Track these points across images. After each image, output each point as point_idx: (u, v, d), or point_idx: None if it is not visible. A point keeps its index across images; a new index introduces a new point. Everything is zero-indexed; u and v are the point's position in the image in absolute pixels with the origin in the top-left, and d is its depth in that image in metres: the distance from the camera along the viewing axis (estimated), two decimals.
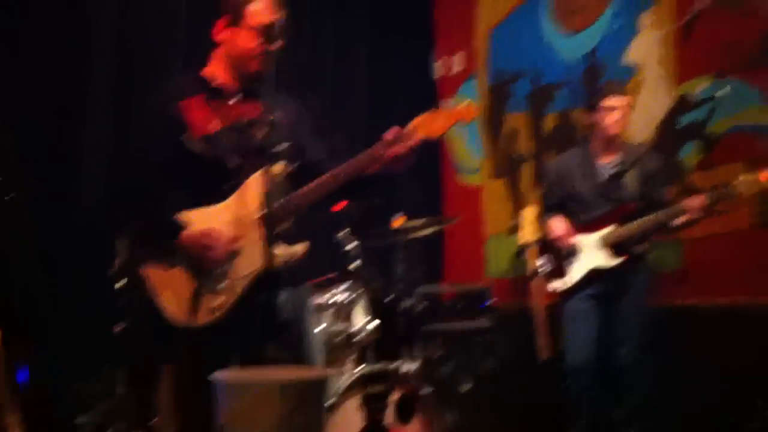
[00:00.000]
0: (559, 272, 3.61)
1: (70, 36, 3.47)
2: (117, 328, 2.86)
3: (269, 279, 2.04)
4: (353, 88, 4.84)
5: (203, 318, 2.13)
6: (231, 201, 2.22)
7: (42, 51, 3.36)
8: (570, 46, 4.56)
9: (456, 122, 2.24)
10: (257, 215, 2.10)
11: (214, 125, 2.23)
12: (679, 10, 4.07)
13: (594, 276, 3.50)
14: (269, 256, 2.13)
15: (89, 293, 3.37)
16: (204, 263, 2.15)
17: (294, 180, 2.27)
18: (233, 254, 2.17)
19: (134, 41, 3.69)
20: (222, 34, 2.29)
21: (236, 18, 2.26)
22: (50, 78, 3.38)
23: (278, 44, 2.18)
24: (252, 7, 2.26)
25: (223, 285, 2.15)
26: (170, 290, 2.16)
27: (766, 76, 3.73)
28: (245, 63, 2.27)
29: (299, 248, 2.23)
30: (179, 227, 2.17)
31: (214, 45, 2.33)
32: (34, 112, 3.31)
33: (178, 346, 2.21)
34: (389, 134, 2.21)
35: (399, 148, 2.20)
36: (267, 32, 2.23)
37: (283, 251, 2.20)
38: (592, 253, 3.52)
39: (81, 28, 3.50)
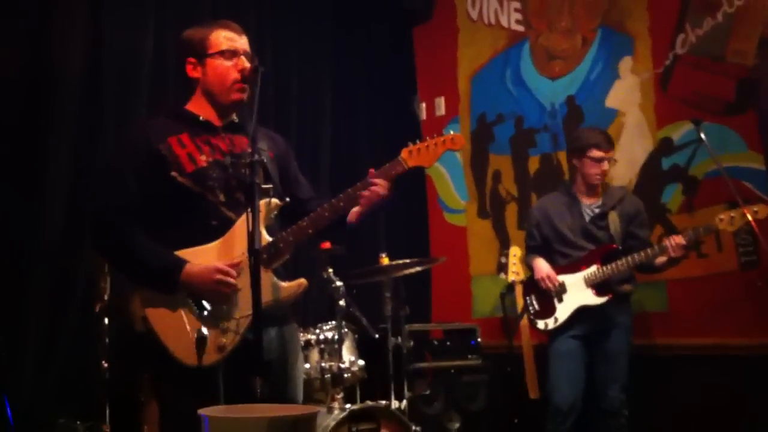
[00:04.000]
0: (545, 312, 3.62)
1: (38, 68, 3.45)
2: (103, 365, 2.83)
3: (262, 316, 2.00)
4: (331, 128, 4.86)
5: (210, 358, 2.08)
6: (224, 239, 2.16)
7: (9, 83, 3.35)
8: (551, 91, 4.64)
9: (445, 150, 2.23)
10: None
11: (201, 161, 2.18)
12: (656, 57, 4.18)
13: (581, 314, 3.52)
14: (276, 292, 2.11)
15: (69, 330, 3.32)
16: (216, 299, 2.11)
17: (285, 214, 2.25)
18: (236, 292, 2.12)
19: (104, 77, 3.67)
20: (194, 72, 2.27)
21: (202, 54, 2.25)
22: (16, 111, 3.36)
23: (250, 69, 2.19)
24: (214, 37, 2.25)
25: (228, 324, 2.11)
26: (175, 332, 2.10)
27: (743, 122, 3.83)
28: (223, 93, 2.24)
29: (302, 283, 2.19)
30: (181, 263, 2.12)
31: (192, 82, 2.30)
32: None
33: (168, 384, 2.16)
34: (373, 169, 2.21)
35: (382, 181, 2.19)
36: (235, 56, 2.23)
37: (287, 286, 2.17)
38: (577, 292, 3.54)
39: (47, 59, 3.48)
